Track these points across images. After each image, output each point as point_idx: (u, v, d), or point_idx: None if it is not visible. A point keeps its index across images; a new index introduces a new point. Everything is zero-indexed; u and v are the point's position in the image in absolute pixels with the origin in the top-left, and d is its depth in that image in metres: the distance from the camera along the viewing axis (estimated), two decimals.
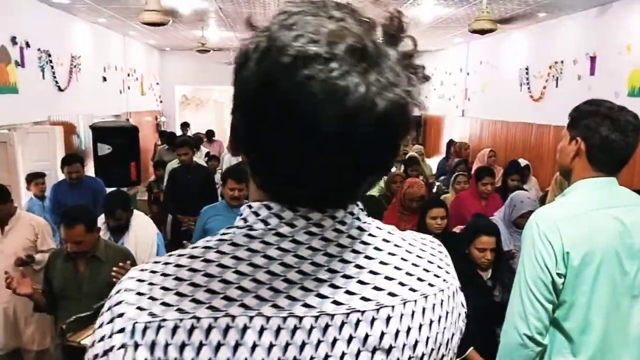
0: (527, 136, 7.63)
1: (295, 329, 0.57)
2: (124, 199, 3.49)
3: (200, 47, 9.13)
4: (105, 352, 0.57)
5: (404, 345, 0.61)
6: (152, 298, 0.58)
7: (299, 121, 0.53)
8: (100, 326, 0.59)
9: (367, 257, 0.63)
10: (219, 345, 0.55)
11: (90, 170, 6.51)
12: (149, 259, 3.26)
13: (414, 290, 0.64)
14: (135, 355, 0.55)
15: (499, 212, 3.66)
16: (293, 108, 0.53)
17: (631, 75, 5.38)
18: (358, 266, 0.61)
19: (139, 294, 0.58)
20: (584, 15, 6.31)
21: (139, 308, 0.57)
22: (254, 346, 0.55)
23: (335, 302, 0.59)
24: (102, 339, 0.58)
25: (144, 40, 10.96)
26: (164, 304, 0.57)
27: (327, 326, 0.58)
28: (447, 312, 0.67)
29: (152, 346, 0.55)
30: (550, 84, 7.05)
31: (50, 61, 6.44)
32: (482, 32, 5.59)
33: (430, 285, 0.66)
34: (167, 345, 0.55)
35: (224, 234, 0.63)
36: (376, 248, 0.64)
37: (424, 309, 0.64)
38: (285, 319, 0.57)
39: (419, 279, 0.65)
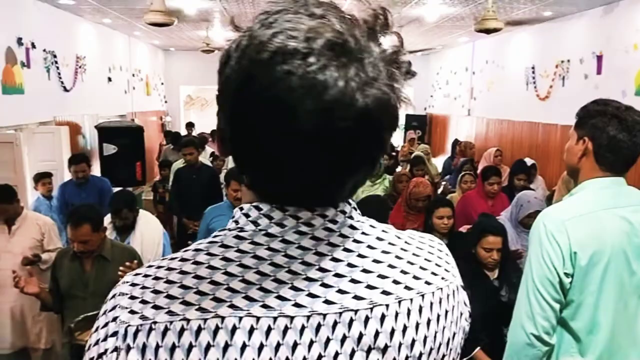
0: (533, 135, 7.61)
1: (286, 329, 0.56)
2: (130, 198, 3.50)
3: (205, 48, 9.14)
4: (100, 355, 0.58)
5: (400, 344, 0.60)
6: (143, 301, 0.58)
7: (279, 116, 0.53)
8: (96, 330, 0.60)
9: (359, 255, 0.62)
10: (208, 347, 0.55)
11: (95, 170, 6.53)
12: (154, 258, 3.27)
13: (409, 289, 0.63)
14: (127, 358, 0.56)
15: (506, 212, 3.65)
16: (272, 103, 0.53)
17: (638, 74, 5.35)
18: (350, 265, 0.61)
19: (132, 297, 0.59)
20: (591, 14, 6.28)
21: (132, 312, 0.57)
22: (244, 347, 0.55)
23: (327, 302, 0.58)
24: (97, 342, 0.59)
25: (149, 40, 10.99)
26: (155, 306, 0.57)
27: (319, 326, 0.57)
28: (446, 311, 0.66)
29: (144, 349, 0.56)
30: (556, 83, 7.02)
31: (56, 62, 6.46)
32: (488, 31, 5.57)
33: (427, 283, 0.65)
34: (157, 347, 0.55)
35: (215, 236, 0.63)
36: (369, 246, 0.63)
37: (420, 308, 0.63)
38: (275, 319, 0.56)
39: (415, 277, 0.64)
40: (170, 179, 5.75)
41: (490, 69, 9.38)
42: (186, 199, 5.08)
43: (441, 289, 0.66)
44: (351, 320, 0.58)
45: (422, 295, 0.63)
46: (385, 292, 0.61)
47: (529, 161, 5.75)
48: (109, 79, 8.73)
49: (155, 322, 0.56)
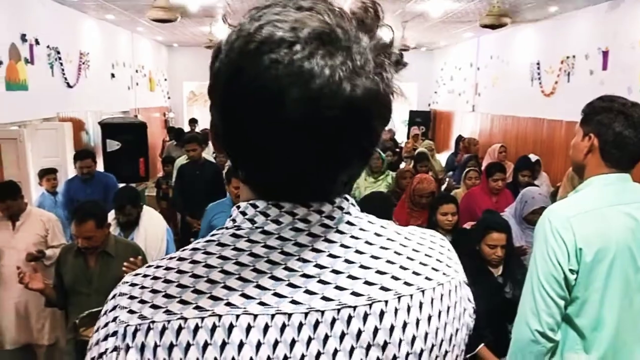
0: (538, 131, 7.59)
1: (284, 326, 0.56)
2: (133, 195, 3.51)
3: (209, 44, 9.14)
4: (100, 355, 0.58)
5: (400, 340, 0.60)
6: (142, 301, 0.58)
7: (266, 106, 0.54)
8: (97, 330, 0.60)
9: (357, 251, 0.61)
10: (206, 345, 0.55)
11: (99, 166, 6.54)
12: (158, 254, 3.29)
13: (409, 285, 0.62)
14: (126, 358, 0.56)
15: (510, 208, 3.64)
16: (260, 93, 0.54)
17: None
18: (348, 261, 0.60)
19: (131, 297, 0.59)
20: (596, 9, 6.24)
21: (130, 311, 0.58)
22: (241, 345, 0.55)
23: (325, 298, 0.58)
24: (97, 342, 0.59)
25: (152, 36, 11.00)
26: (154, 306, 0.57)
27: (317, 323, 0.57)
28: (448, 307, 0.65)
29: (142, 348, 0.56)
30: (562, 79, 6.99)
31: (60, 58, 6.48)
32: (493, 26, 5.56)
33: (428, 279, 0.64)
34: (156, 346, 0.55)
35: (213, 235, 0.63)
36: (367, 242, 0.63)
37: (421, 304, 0.62)
38: (273, 316, 0.56)
39: (415, 273, 0.63)
40: (174, 175, 5.76)
41: (495, 65, 9.35)
42: (189, 195, 5.08)
43: (442, 284, 0.65)
44: (350, 317, 0.58)
45: (422, 291, 0.63)
46: (384, 288, 0.60)
47: (533, 157, 5.73)
48: (112, 75, 8.74)
49: (153, 322, 0.56)
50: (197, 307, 0.56)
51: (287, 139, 0.55)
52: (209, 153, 7.20)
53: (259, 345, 0.55)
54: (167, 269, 0.61)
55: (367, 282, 0.60)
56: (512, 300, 2.42)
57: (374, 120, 0.58)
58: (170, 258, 0.63)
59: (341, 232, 0.62)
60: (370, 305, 0.59)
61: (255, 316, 0.56)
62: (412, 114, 12.42)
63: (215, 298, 0.56)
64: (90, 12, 7.46)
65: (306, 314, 0.57)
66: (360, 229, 0.64)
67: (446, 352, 0.64)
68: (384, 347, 0.59)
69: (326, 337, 0.57)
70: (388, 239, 0.65)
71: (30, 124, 5.64)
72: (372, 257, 0.62)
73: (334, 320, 0.58)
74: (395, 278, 0.62)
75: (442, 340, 0.64)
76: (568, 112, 6.30)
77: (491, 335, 2.45)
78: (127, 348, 0.56)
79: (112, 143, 6.76)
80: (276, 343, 0.56)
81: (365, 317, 0.59)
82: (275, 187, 0.61)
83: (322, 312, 0.57)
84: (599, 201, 1.62)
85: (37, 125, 5.81)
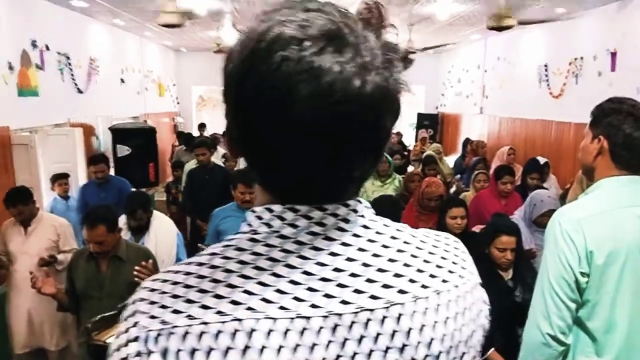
0: (546, 134, 7.55)
1: (304, 330, 0.57)
2: (144, 199, 3.54)
3: (217, 48, 9.18)
4: None
5: (419, 343, 0.60)
6: (163, 306, 0.58)
7: (277, 103, 0.54)
8: (118, 336, 0.60)
9: (374, 255, 0.62)
10: (228, 349, 0.55)
11: (109, 171, 6.59)
12: (169, 258, 3.31)
13: (425, 287, 0.63)
14: None
15: (519, 211, 3.63)
16: (270, 91, 0.54)
17: None
18: (365, 264, 0.61)
19: (152, 302, 0.59)
20: (604, 10, 6.21)
21: (152, 317, 0.58)
22: (263, 348, 0.55)
23: (343, 302, 0.58)
24: (118, 348, 0.59)
25: (160, 41, 11.06)
26: (175, 311, 0.57)
27: (336, 326, 0.57)
28: (464, 309, 0.65)
29: (165, 353, 0.56)
30: (570, 81, 6.96)
31: (70, 64, 6.53)
32: (500, 28, 5.54)
33: (444, 281, 0.65)
34: (178, 351, 0.55)
35: (230, 239, 0.64)
36: (384, 245, 0.63)
37: (437, 306, 0.63)
38: (292, 320, 0.57)
39: (432, 276, 0.64)
40: (183, 180, 5.78)
41: (503, 67, 9.32)
42: (199, 199, 5.10)
43: (457, 286, 0.66)
44: (368, 320, 0.58)
45: (439, 294, 0.63)
46: (401, 291, 0.61)
47: (542, 160, 5.71)
48: (122, 81, 8.80)
49: (175, 327, 0.56)
50: (219, 312, 0.56)
51: (298, 138, 0.55)
52: (218, 157, 7.23)
53: (280, 349, 0.56)
54: (187, 273, 0.61)
55: (385, 285, 0.60)
56: (522, 304, 2.41)
57: (384, 116, 0.59)
58: (189, 263, 0.63)
59: (357, 236, 0.62)
60: (388, 308, 0.60)
61: (276, 320, 0.56)
62: (420, 117, 12.41)
63: (235, 302, 0.57)
64: (99, 17, 7.52)
65: (325, 318, 0.57)
66: (377, 232, 0.64)
67: (463, 354, 0.65)
68: (402, 349, 0.59)
69: (345, 340, 0.58)
70: (404, 242, 0.66)
71: (42, 129, 5.69)
72: (389, 260, 0.63)
73: (352, 324, 0.58)
74: (412, 281, 0.62)
75: (459, 342, 0.64)
76: (576, 114, 6.27)
77: (501, 338, 2.44)
78: (150, 353, 0.56)
79: (122, 148, 6.81)
80: (296, 347, 0.56)
81: (383, 320, 0.59)
82: (288, 189, 0.62)
83: (341, 316, 0.58)
84: (609, 203, 1.61)
85: (49, 131, 5.86)
